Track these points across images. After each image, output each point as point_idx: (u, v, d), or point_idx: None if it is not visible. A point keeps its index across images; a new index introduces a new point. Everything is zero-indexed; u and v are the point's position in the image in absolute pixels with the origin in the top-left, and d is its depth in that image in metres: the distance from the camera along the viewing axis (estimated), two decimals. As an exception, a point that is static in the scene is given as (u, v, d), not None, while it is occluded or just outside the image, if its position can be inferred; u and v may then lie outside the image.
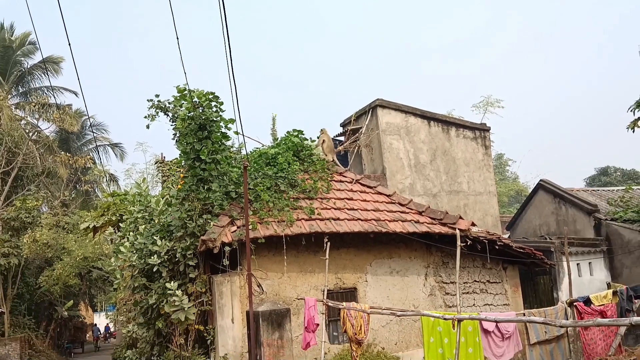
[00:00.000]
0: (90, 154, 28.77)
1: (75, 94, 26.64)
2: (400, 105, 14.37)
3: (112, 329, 32.19)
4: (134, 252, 9.79)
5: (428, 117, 14.72)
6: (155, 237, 9.36)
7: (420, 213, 10.66)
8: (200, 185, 9.26)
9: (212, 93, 9.61)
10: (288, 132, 11.84)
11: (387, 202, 10.93)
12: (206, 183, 9.31)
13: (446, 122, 15.01)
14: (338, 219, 9.65)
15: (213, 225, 8.87)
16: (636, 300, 9.31)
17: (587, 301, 9.46)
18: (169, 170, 14.53)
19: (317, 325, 8.00)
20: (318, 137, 12.67)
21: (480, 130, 15.46)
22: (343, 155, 14.61)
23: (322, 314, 8.48)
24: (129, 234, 10.51)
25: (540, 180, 17.15)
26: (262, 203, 9.57)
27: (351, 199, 10.60)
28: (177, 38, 5.74)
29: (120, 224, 12.31)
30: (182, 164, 10.25)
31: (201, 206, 9.25)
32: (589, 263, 13.77)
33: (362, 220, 9.78)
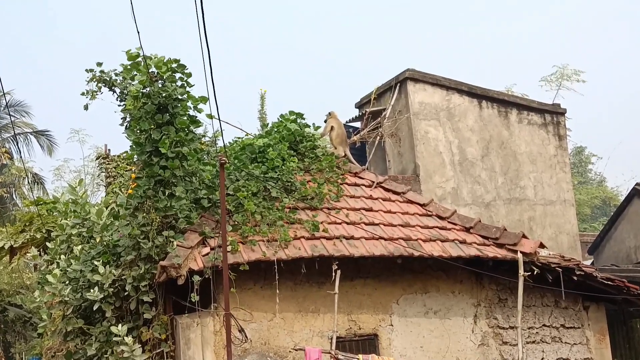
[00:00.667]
0: (6, 145, 28.88)
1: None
2: (440, 79, 14.36)
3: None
4: (67, 283, 9.79)
5: (479, 95, 14.70)
6: (96, 262, 9.36)
7: (467, 230, 10.63)
8: (160, 189, 9.26)
9: (177, 60, 9.61)
10: (282, 115, 11.85)
11: (420, 215, 10.90)
12: (168, 187, 9.32)
13: (504, 103, 14.99)
14: (352, 237, 9.64)
15: (177, 245, 8.87)
16: None
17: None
18: (115, 168, 14.56)
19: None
20: (325, 122, 12.68)
21: (553, 114, 15.44)
22: (359, 148, 14.62)
23: (330, 370, 8.48)
24: (60, 258, 10.52)
25: (637, 184, 17.13)
26: (246, 215, 9.56)
27: (370, 210, 10.59)
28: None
29: (47, 243, 12.33)
30: (135, 159, 10.27)
31: (161, 219, 9.26)
32: None
33: (385, 239, 9.76)
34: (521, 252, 10.03)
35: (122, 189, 11.87)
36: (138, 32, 6.60)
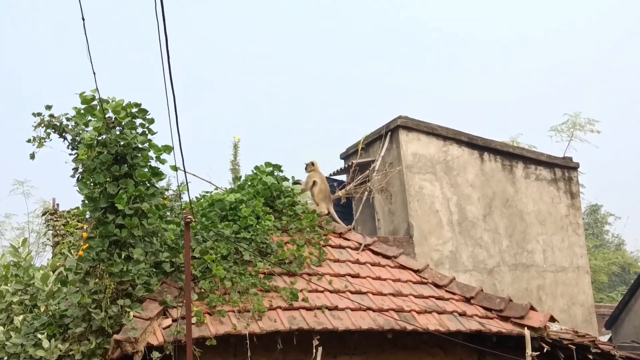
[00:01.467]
0: (-61, 198, 28.68)
1: None
2: (436, 127, 14.54)
3: None
4: (6, 359, 9.65)
5: (480, 146, 14.88)
6: (40, 335, 9.25)
7: (467, 300, 10.62)
8: (115, 251, 9.21)
9: (137, 104, 9.65)
10: (257, 167, 11.89)
11: (414, 282, 10.89)
12: (124, 248, 9.27)
13: (509, 155, 15.17)
14: (336, 308, 9.60)
15: (134, 316, 8.78)
16: None
17: None
18: (64, 226, 14.46)
19: None
20: (307, 174, 12.68)
21: (564, 169, 15.63)
22: (345, 204, 14.67)
23: None
24: (-3, 330, 10.38)
25: (659, 248, 17.20)
26: (215, 281, 9.50)
27: (357, 276, 10.57)
28: (83, 19, 5.80)
29: (-17, 312, 12.17)
30: (87, 216, 10.21)
31: (115, 286, 9.18)
32: None
33: (374, 310, 9.72)
34: (529, 326, 10.00)
35: (72, 250, 11.77)
36: (94, 73, 6.62)
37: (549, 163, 15.39)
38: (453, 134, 14.59)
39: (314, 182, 12.46)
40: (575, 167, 15.73)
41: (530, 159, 15.29)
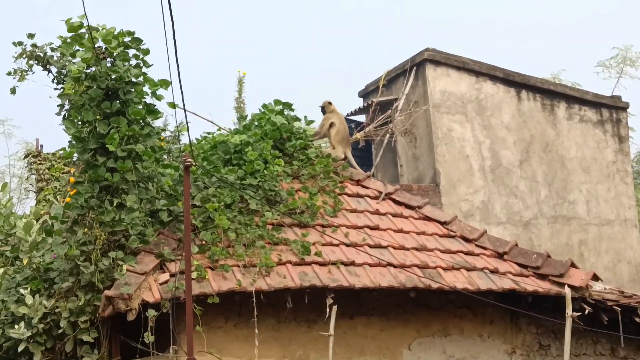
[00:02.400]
0: None
1: None
2: (468, 62, 14.42)
3: None
4: (-15, 316, 9.78)
5: (517, 83, 14.76)
6: (22, 291, 9.34)
7: (500, 256, 10.64)
8: (106, 198, 9.25)
9: (131, 33, 9.62)
10: (265, 105, 11.85)
11: (440, 236, 10.92)
12: (116, 195, 9.31)
13: (550, 94, 15.05)
14: (353, 263, 9.64)
15: (128, 270, 8.85)
16: None
17: None
18: (49, 170, 14.54)
19: None
20: (324, 114, 12.60)
21: (611, 109, 15.51)
22: (363, 148, 14.65)
23: None
24: (-24, 284, 10.49)
25: None
26: (217, 232, 9.55)
27: (377, 228, 10.60)
28: None
29: (-40, 265, 12.31)
30: (74, 159, 10.25)
31: (107, 236, 9.23)
32: None
33: (395, 266, 9.76)
34: (569, 285, 10.00)
35: (58, 197, 11.85)
36: (82, -4, 6.57)
37: (595, 102, 15.25)
38: (487, 69, 14.47)
39: (331, 124, 12.37)
40: (624, 108, 15.59)
41: (574, 98, 15.16)
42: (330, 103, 12.52)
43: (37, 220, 11.12)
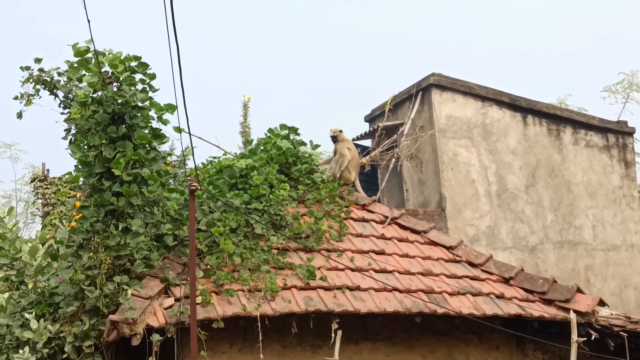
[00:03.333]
0: None
1: None
2: (473, 87, 14.46)
3: None
4: (-11, 341, 9.77)
5: (523, 108, 14.80)
6: (27, 315, 9.33)
7: (506, 281, 10.61)
8: (112, 222, 9.26)
9: (137, 58, 9.65)
10: (271, 130, 11.87)
11: (446, 260, 10.89)
12: (122, 219, 9.31)
13: (556, 119, 15.08)
14: (358, 288, 9.63)
15: (132, 295, 8.85)
16: None
17: None
18: (55, 194, 14.55)
19: None
20: (334, 140, 12.51)
21: (618, 134, 15.51)
22: (369, 173, 14.65)
23: None
24: (-19, 309, 10.49)
25: None
26: (222, 257, 9.54)
27: (382, 253, 10.59)
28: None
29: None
30: (80, 183, 10.28)
31: (112, 260, 9.24)
32: None
33: (401, 291, 9.74)
34: (575, 311, 9.98)
35: (64, 221, 11.85)
36: (88, 21, 6.61)
37: (601, 128, 15.27)
38: (493, 94, 14.50)
39: (348, 149, 12.33)
40: (630, 133, 15.59)
41: (580, 123, 15.18)
42: (341, 131, 12.50)
43: (43, 245, 11.12)
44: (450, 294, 9.95)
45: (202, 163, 11.89)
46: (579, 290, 10.46)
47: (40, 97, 10.77)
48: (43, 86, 10.81)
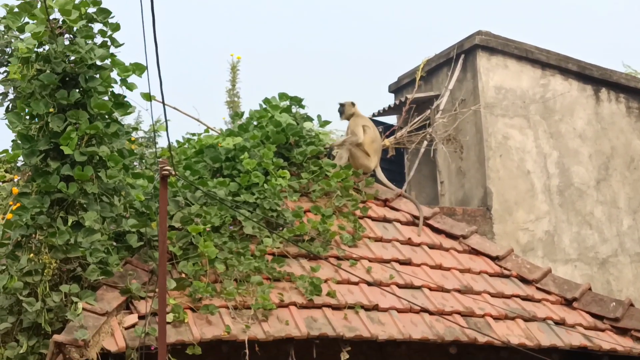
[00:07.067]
0: None
1: None
2: (532, 49, 14.45)
3: None
4: None
5: (596, 79, 14.81)
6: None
7: (569, 303, 10.65)
8: (59, 215, 9.29)
9: (97, 2, 9.69)
10: (268, 100, 11.89)
11: (491, 274, 10.94)
12: (72, 211, 9.35)
13: (637, 93, 15.03)
14: (376, 307, 9.68)
15: (84, 309, 8.87)
16: None
17: None
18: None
19: None
20: (344, 116, 12.51)
21: None
22: (393, 159, 14.66)
23: None
24: None
25: None
26: (202, 263, 9.58)
27: (408, 263, 10.64)
28: None
29: None
30: (19, 163, 10.31)
31: (58, 265, 9.27)
32: None
33: (431, 313, 9.79)
34: (658, 344, 10.02)
35: (-3, 212, 11.89)
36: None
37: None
38: (556, 60, 14.49)
39: (364, 128, 12.22)
40: None
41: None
42: (353, 104, 12.36)
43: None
44: (496, 318, 10.00)
45: (178, 141, 11.95)
46: (663, 318, 10.51)
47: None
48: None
